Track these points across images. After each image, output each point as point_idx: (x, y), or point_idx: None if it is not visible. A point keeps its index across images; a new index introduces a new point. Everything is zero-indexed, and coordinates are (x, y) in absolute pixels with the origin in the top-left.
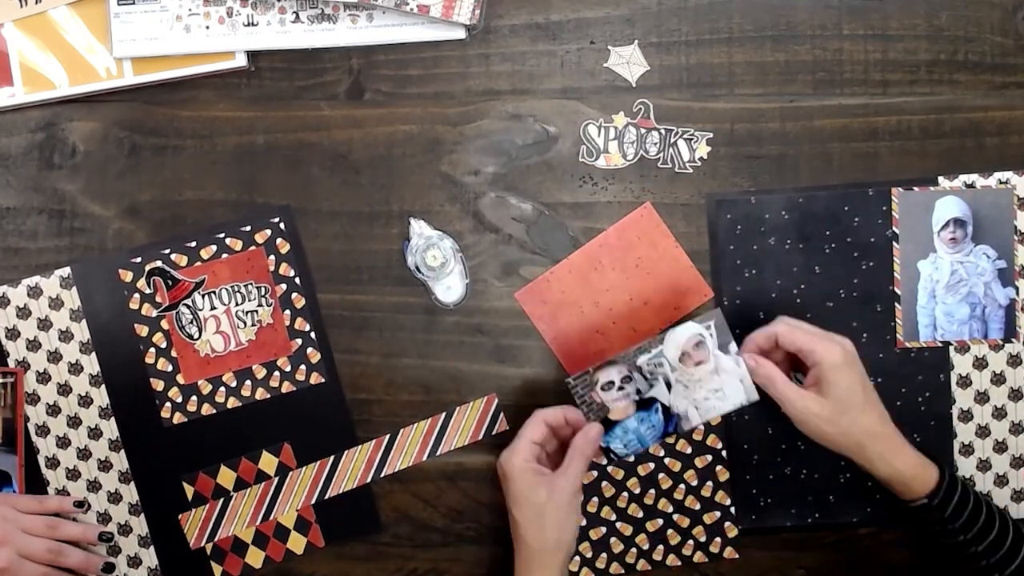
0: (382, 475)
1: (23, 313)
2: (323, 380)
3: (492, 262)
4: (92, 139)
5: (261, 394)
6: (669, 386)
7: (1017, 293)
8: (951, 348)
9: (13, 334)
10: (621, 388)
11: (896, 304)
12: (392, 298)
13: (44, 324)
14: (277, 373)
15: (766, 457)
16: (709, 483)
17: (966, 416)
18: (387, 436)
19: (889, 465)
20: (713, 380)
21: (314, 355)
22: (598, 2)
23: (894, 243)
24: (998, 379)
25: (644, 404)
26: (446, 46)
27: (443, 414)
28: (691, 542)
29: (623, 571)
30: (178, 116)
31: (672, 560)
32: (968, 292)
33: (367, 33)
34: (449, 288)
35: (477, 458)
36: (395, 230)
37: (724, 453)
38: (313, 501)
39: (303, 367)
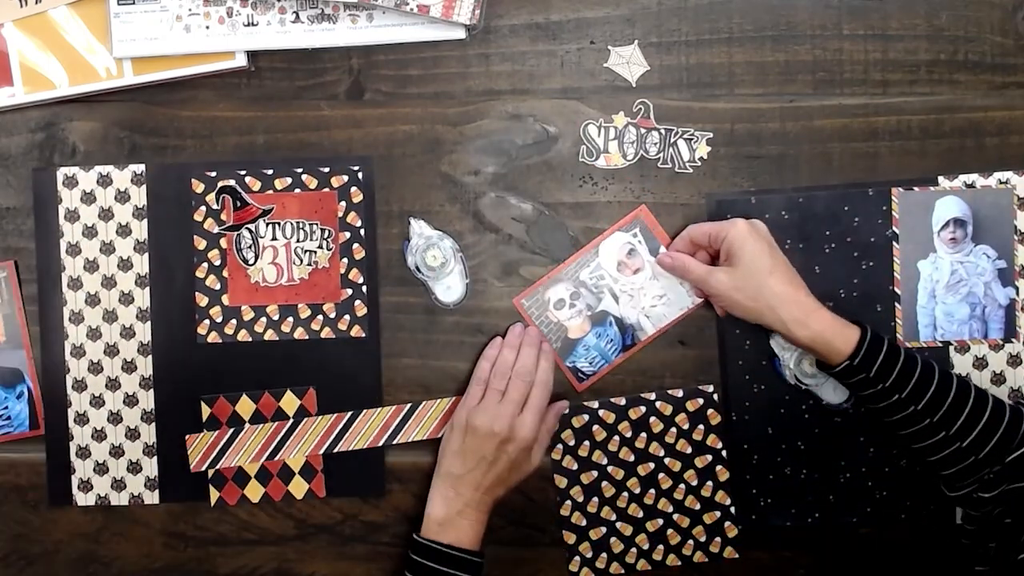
0: (395, 442)
1: (88, 198)
2: (363, 335)
3: (492, 262)
4: (92, 139)
5: (300, 334)
6: (616, 298)
7: (1017, 293)
8: (951, 348)
9: (73, 216)
10: (573, 305)
11: (896, 304)
12: (392, 298)
13: (106, 215)
14: (320, 317)
15: (766, 457)
16: (709, 483)
17: None
18: (408, 405)
19: (806, 327)
20: (654, 286)
21: (360, 308)
22: (598, 2)
23: (894, 243)
24: (998, 379)
25: (598, 319)
26: (446, 46)
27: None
28: (691, 542)
29: (623, 571)
30: (178, 116)
31: (672, 560)
32: (968, 292)
33: (367, 33)
34: (449, 288)
35: None
36: (395, 230)
37: (724, 453)
38: (323, 451)
39: (347, 317)
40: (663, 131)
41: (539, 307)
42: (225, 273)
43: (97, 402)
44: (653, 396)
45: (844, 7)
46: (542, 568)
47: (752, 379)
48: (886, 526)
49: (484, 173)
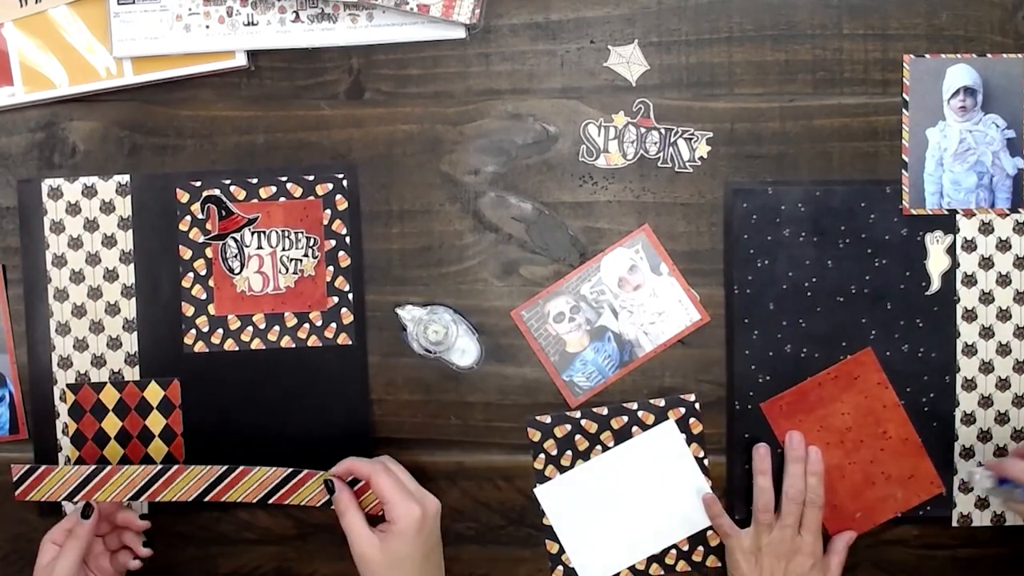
0: (270, 502)
1: (72, 209)
2: (350, 343)
3: (492, 262)
4: (92, 139)
5: (286, 342)
6: (616, 314)
7: None
8: (957, 216)
9: (58, 228)
10: (572, 319)
11: (903, 171)
12: (392, 297)
13: (91, 225)
14: (307, 325)
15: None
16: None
17: (968, 419)
18: (289, 470)
19: None
20: (654, 303)
21: (347, 316)
22: (598, 1)
23: (903, 110)
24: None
25: (597, 335)
26: (446, 45)
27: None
28: (674, 551)
29: None
30: (178, 116)
31: (655, 569)
32: (976, 161)
33: (367, 33)
34: (464, 352)
35: (477, 458)
36: (395, 230)
37: (706, 462)
38: (192, 497)
39: (334, 325)
40: (663, 130)
41: (538, 319)
42: (211, 282)
43: None
44: (635, 406)
45: (844, 7)
46: (542, 568)
47: (757, 369)
48: (886, 526)
49: (484, 172)
